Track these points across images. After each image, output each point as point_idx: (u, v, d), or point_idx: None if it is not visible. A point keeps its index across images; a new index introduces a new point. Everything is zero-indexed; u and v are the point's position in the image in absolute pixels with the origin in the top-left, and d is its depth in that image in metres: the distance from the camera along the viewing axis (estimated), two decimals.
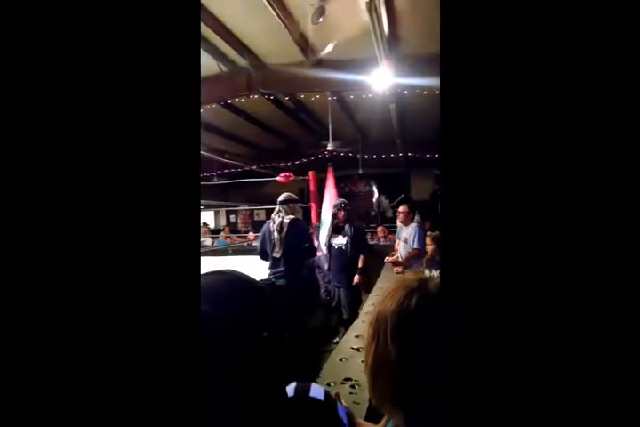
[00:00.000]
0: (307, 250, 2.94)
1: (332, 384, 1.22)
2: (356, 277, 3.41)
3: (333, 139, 5.63)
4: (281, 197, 3.04)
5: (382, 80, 3.70)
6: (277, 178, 4.42)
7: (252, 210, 9.86)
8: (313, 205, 4.40)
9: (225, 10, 3.21)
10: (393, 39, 3.50)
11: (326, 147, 5.72)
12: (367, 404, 1.03)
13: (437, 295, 0.54)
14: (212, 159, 6.86)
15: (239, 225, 10.39)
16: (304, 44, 3.66)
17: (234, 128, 6.44)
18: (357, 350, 1.53)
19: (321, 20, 2.99)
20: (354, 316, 2.91)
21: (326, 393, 0.57)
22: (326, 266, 3.63)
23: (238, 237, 7.75)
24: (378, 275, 3.41)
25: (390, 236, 5.74)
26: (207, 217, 10.19)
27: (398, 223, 3.87)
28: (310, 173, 4.38)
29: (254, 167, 7.78)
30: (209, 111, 5.03)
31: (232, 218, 10.60)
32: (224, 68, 4.22)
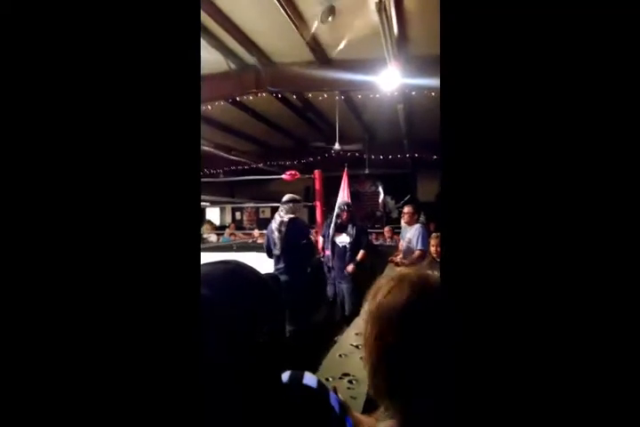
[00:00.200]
0: (304, 247, 3.10)
1: (330, 379, 1.24)
2: (350, 267, 3.58)
3: (340, 138, 5.64)
4: (284, 198, 3.24)
5: (390, 80, 3.70)
6: (283, 176, 4.44)
7: (258, 207, 9.88)
8: (318, 204, 4.41)
9: (235, 7, 3.23)
10: (402, 40, 3.50)
11: (333, 146, 5.73)
12: (364, 398, 1.05)
13: (439, 291, 0.55)
14: (219, 156, 6.89)
15: (245, 222, 10.42)
16: (313, 43, 3.67)
17: (241, 125, 6.46)
18: (357, 346, 1.54)
19: (330, 19, 2.99)
20: (355, 313, 2.95)
21: (319, 381, 0.58)
22: (330, 263, 3.71)
23: (243, 233, 7.79)
24: (381, 273, 3.44)
25: (395, 237, 5.77)
26: (213, 214, 10.23)
27: (403, 224, 3.88)
28: (316, 171, 4.39)
29: (260, 165, 7.80)
30: (217, 108, 5.05)
31: (238, 215, 10.63)
32: (233, 66, 4.24)
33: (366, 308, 0.61)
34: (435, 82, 3.69)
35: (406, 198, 8.68)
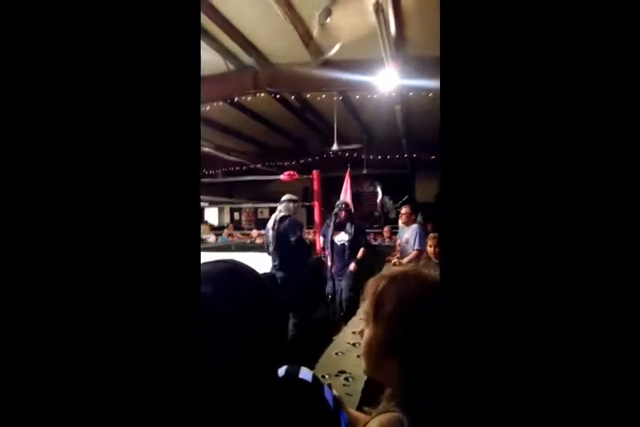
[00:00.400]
0: (295, 243, 3.23)
1: (326, 376, 1.25)
2: (352, 266, 3.66)
3: (339, 139, 5.66)
4: (282, 198, 3.44)
5: (388, 81, 3.72)
6: (281, 176, 4.46)
7: (256, 208, 9.89)
8: (316, 204, 4.42)
9: (233, 8, 3.24)
10: (399, 41, 3.52)
11: (331, 146, 5.74)
12: (360, 395, 1.06)
13: (435, 286, 0.56)
14: (218, 157, 6.90)
15: (243, 222, 10.42)
16: (311, 44, 3.68)
17: (240, 126, 6.46)
18: (353, 345, 1.55)
19: (328, 20, 3.01)
20: (353, 311, 2.97)
21: (314, 376, 0.60)
22: (329, 262, 3.74)
23: (242, 234, 7.79)
24: (379, 272, 3.46)
25: (394, 237, 5.80)
26: (211, 214, 10.22)
27: (400, 224, 3.91)
28: (314, 172, 4.40)
29: (259, 165, 7.81)
30: (215, 109, 5.06)
31: (236, 215, 10.63)
32: (231, 67, 4.25)
33: (364, 305, 0.62)
34: (432, 83, 3.71)
35: (404, 199, 8.70)
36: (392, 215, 8.99)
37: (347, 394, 1.09)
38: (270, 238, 3.31)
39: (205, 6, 3.01)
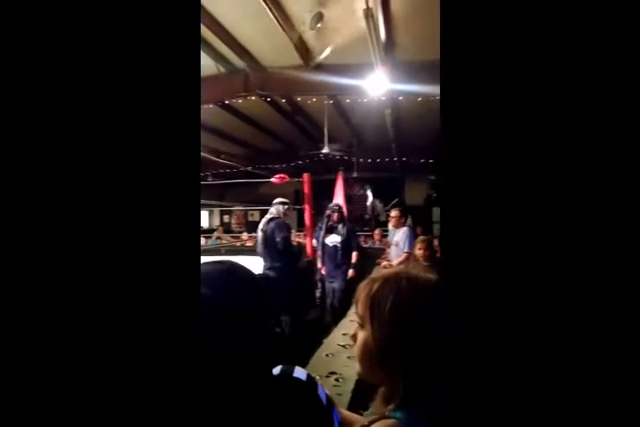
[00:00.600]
0: (281, 245, 3.33)
1: (317, 377, 1.26)
2: (351, 272, 3.73)
3: (329, 142, 5.69)
4: (274, 201, 3.56)
5: (378, 85, 3.76)
6: (272, 179, 4.46)
7: (247, 211, 9.87)
8: (307, 207, 4.43)
9: (224, 11, 3.24)
10: (389, 46, 3.56)
11: (322, 150, 5.77)
12: (350, 395, 1.08)
13: (427, 284, 0.58)
14: (208, 159, 6.87)
15: (233, 225, 10.38)
16: (302, 47, 3.71)
17: (230, 129, 6.45)
18: (343, 346, 1.57)
19: (319, 25, 3.04)
20: (343, 313, 2.99)
21: (308, 375, 0.61)
22: (319, 263, 3.79)
23: (232, 237, 7.76)
24: (370, 273, 3.49)
25: (384, 239, 5.85)
26: (201, 217, 10.17)
27: (390, 227, 3.95)
28: (305, 175, 4.42)
29: (250, 168, 7.80)
30: (206, 111, 5.05)
31: (226, 218, 10.59)
32: (222, 69, 4.25)
33: (356, 308, 0.62)
34: (421, 87, 3.77)
35: (394, 202, 8.76)
36: (382, 218, 9.04)
37: (337, 394, 1.10)
38: (260, 239, 3.46)
39: None
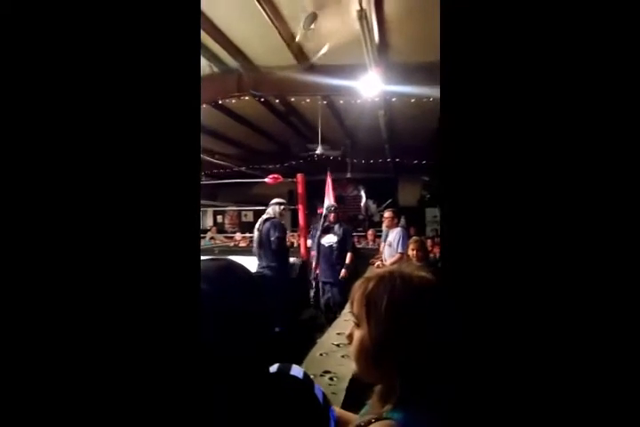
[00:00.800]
0: (274, 244, 3.42)
1: (311, 376, 1.27)
2: (343, 272, 3.75)
3: (323, 142, 5.70)
4: (271, 201, 3.65)
5: (371, 86, 3.78)
6: (266, 180, 4.47)
7: (240, 211, 9.85)
8: (300, 207, 4.43)
9: (217, 11, 3.24)
10: (383, 47, 3.58)
11: (315, 150, 5.78)
12: (344, 393, 1.08)
13: (421, 282, 0.59)
14: (202, 159, 6.84)
15: (226, 226, 10.35)
16: (296, 48, 3.71)
17: (224, 129, 6.43)
18: (337, 345, 1.57)
19: (313, 26, 3.05)
20: (338, 311, 3.01)
21: (305, 373, 0.62)
22: (314, 263, 3.82)
23: (225, 237, 7.74)
24: (364, 273, 3.51)
25: (377, 239, 5.88)
26: None
27: (384, 227, 3.97)
28: (299, 175, 4.42)
29: (243, 168, 7.79)
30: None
31: (219, 218, 10.55)
32: (215, 69, 4.24)
33: (352, 307, 0.63)
34: (414, 89, 3.79)
35: (387, 202, 8.79)
36: (376, 219, 9.07)
37: (332, 393, 1.11)
38: (255, 239, 3.54)
39: None
